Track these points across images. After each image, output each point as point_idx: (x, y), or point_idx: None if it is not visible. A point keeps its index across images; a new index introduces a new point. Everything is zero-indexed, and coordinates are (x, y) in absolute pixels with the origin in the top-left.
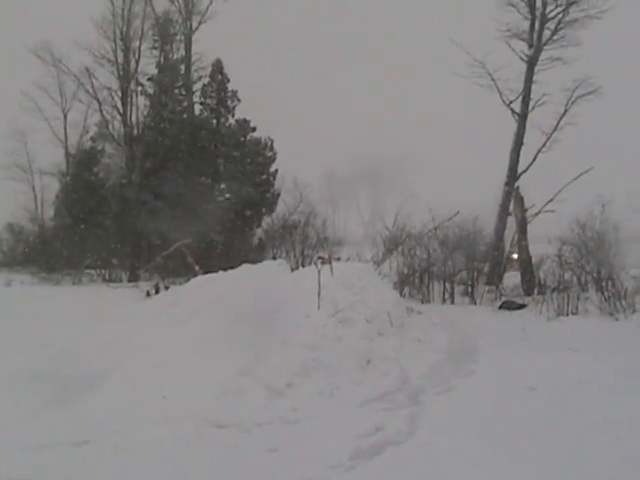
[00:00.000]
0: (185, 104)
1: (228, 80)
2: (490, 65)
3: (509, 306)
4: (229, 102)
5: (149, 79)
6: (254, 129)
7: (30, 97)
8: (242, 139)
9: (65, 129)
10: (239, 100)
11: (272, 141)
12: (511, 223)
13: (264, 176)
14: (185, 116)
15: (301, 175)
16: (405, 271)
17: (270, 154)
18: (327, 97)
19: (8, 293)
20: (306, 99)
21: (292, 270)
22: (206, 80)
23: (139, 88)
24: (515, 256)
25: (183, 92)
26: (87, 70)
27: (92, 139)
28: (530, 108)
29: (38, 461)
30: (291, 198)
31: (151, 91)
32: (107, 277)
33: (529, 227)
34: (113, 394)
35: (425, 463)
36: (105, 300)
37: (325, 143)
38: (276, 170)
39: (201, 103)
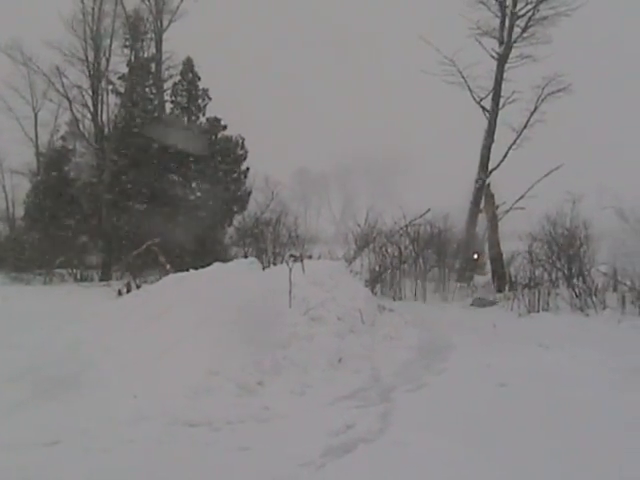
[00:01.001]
0: (156, 102)
1: (199, 78)
2: (460, 63)
3: (480, 303)
4: (200, 101)
5: (120, 77)
6: (225, 127)
7: (0, 96)
8: (213, 137)
9: (35, 128)
10: (210, 98)
11: (243, 139)
12: (482, 220)
13: (235, 174)
14: (156, 114)
15: (272, 173)
16: (377, 268)
17: (241, 152)
18: (299, 96)
19: None
20: (278, 98)
21: (264, 268)
22: (177, 78)
23: (110, 86)
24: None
25: (154, 90)
26: (57, 69)
27: (63, 138)
28: (500, 105)
29: (7, 462)
30: (262, 196)
31: (122, 89)
32: (78, 276)
33: (500, 224)
34: (84, 394)
35: (396, 460)
36: (76, 299)
37: (297, 142)
38: (247, 168)
39: (172, 101)
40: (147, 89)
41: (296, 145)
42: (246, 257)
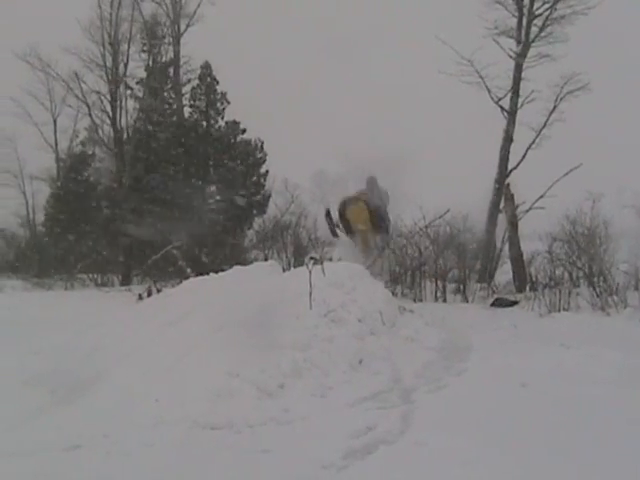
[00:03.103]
0: (174, 107)
1: (217, 82)
2: (478, 63)
3: (501, 303)
4: (218, 104)
5: (138, 82)
6: (244, 131)
7: (19, 102)
8: (232, 141)
9: (55, 134)
10: (228, 102)
11: (262, 142)
12: (502, 220)
13: (254, 178)
14: (174, 119)
15: (292, 176)
16: (397, 270)
17: (260, 155)
18: (317, 97)
19: (0, 299)
20: (296, 100)
21: (283, 271)
22: (195, 83)
23: (128, 92)
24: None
25: (172, 95)
26: (76, 74)
27: (82, 143)
28: (519, 105)
29: (27, 467)
30: (282, 199)
31: (140, 94)
32: (99, 281)
33: (520, 224)
34: (104, 399)
35: (418, 461)
36: (97, 304)
37: (316, 144)
38: (267, 171)
39: (190, 105)
40: (165, 93)
41: (314, 147)
42: (266, 260)
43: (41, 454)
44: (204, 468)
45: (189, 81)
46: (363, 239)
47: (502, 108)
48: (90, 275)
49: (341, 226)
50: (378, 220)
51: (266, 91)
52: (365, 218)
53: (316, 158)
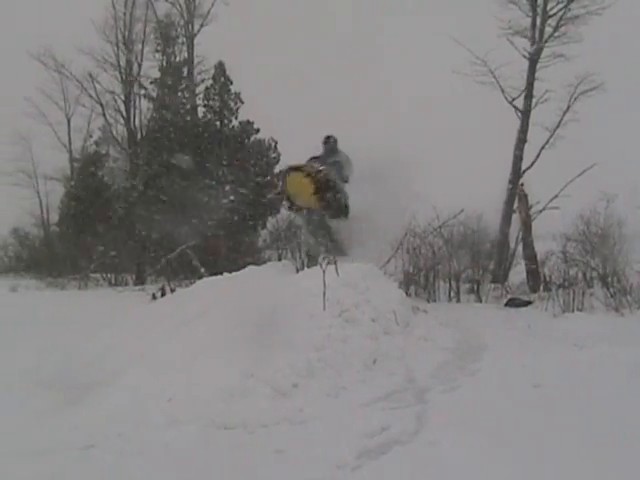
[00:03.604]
0: (188, 107)
1: (231, 82)
2: (492, 63)
3: (515, 303)
4: (232, 104)
5: (152, 82)
6: (258, 130)
7: (33, 102)
8: (246, 141)
9: (69, 134)
10: (242, 102)
11: (276, 142)
12: (516, 220)
13: (268, 177)
14: (188, 119)
15: None
16: (410, 270)
17: (274, 155)
18: (332, 97)
19: (14, 298)
20: (311, 99)
21: (297, 271)
22: (209, 82)
23: (142, 91)
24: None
25: (186, 95)
26: (90, 75)
27: (96, 143)
28: (533, 105)
29: (42, 466)
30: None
31: (154, 94)
32: (113, 281)
33: (534, 224)
34: (118, 398)
35: (432, 461)
36: (110, 304)
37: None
38: (280, 171)
39: (204, 105)
40: (179, 93)
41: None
42: (280, 260)
43: (56, 454)
44: (218, 468)
45: (203, 81)
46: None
47: (516, 108)
48: (104, 275)
49: (285, 202)
50: (328, 196)
51: (280, 90)
52: (307, 192)
53: None
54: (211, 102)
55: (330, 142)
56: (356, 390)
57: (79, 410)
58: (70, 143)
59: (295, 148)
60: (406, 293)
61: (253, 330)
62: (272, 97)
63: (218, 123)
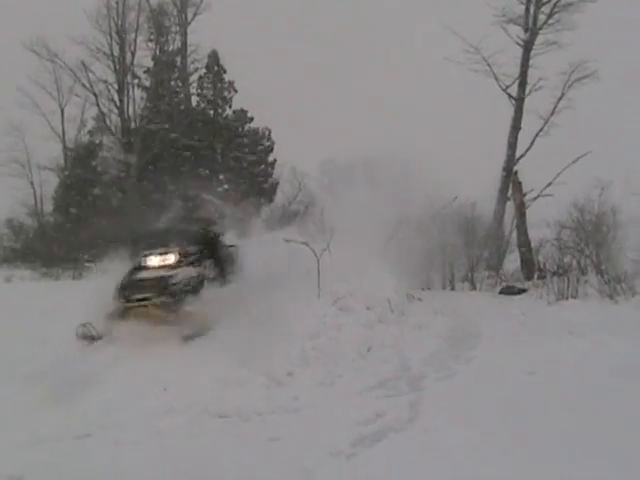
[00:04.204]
0: (182, 96)
1: (224, 71)
2: (486, 51)
3: (509, 291)
4: (226, 93)
5: (145, 71)
6: (252, 119)
7: (26, 92)
8: (240, 130)
9: (62, 124)
10: (236, 91)
11: (270, 131)
12: (510, 208)
13: (262, 166)
14: (182, 108)
15: (300, 164)
16: (405, 259)
17: (268, 144)
18: (326, 86)
19: (7, 289)
20: (305, 87)
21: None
22: (202, 71)
23: (135, 81)
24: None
25: (180, 84)
26: (83, 64)
27: (90, 133)
28: (527, 92)
29: (38, 456)
30: (290, 187)
31: (147, 83)
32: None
33: (528, 211)
34: (113, 388)
35: (426, 448)
36: (105, 294)
37: (324, 132)
38: (274, 160)
39: (198, 94)
40: (173, 82)
41: (324, 136)
42: None
43: (52, 443)
44: (213, 455)
45: (196, 70)
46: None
47: (510, 96)
48: (98, 264)
49: None
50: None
51: (275, 79)
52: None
53: (325, 146)
54: (204, 91)
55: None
56: (351, 378)
57: (75, 400)
58: (64, 133)
59: (290, 137)
60: (401, 281)
61: (248, 319)
62: (267, 85)
63: (212, 112)
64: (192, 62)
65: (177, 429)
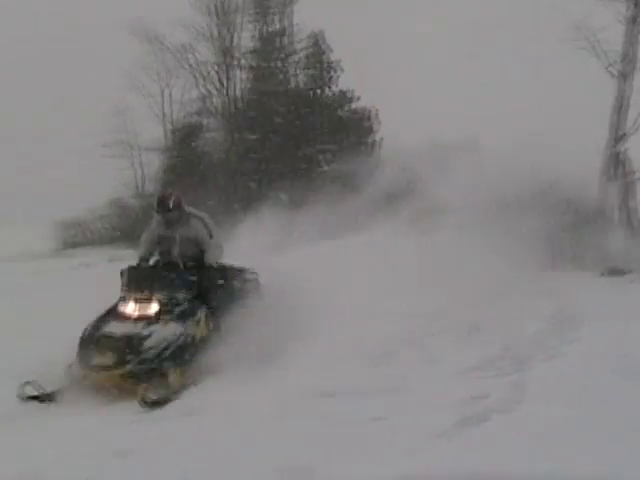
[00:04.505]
0: (284, 76)
1: (330, 50)
2: (588, 29)
3: (615, 272)
4: (331, 72)
5: (248, 52)
6: (358, 99)
7: (130, 75)
8: (344, 109)
9: (162, 105)
10: (342, 70)
11: (377, 110)
12: (613, 188)
13: (365, 146)
14: (285, 88)
15: (407, 144)
16: (510, 239)
17: (369, 124)
18: (437, 64)
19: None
20: (416, 65)
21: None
22: (307, 52)
23: (238, 62)
24: None
25: (283, 64)
26: (186, 46)
27: (193, 114)
28: (633, 69)
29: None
30: (392, 169)
31: (250, 64)
32: None
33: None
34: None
35: (532, 431)
36: None
37: (432, 112)
38: (378, 139)
39: (302, 74)
40: (276, 63)
41: (431, 116)
42: None
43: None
44: (315, 436)
45: (301, 50)
46: None
47: (612, 74)
48: None
49: None
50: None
51: (387, 57)
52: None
53: (434, 126)
54: (308, 71)
55: (171, 209)
56: (454, 357)
57: None
58: (164, 115)
59: (397, 117)
60: (507, 262)
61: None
62: (374, 65)
63: (317, 91)
64: (299, 42)
65: (280, 409)
